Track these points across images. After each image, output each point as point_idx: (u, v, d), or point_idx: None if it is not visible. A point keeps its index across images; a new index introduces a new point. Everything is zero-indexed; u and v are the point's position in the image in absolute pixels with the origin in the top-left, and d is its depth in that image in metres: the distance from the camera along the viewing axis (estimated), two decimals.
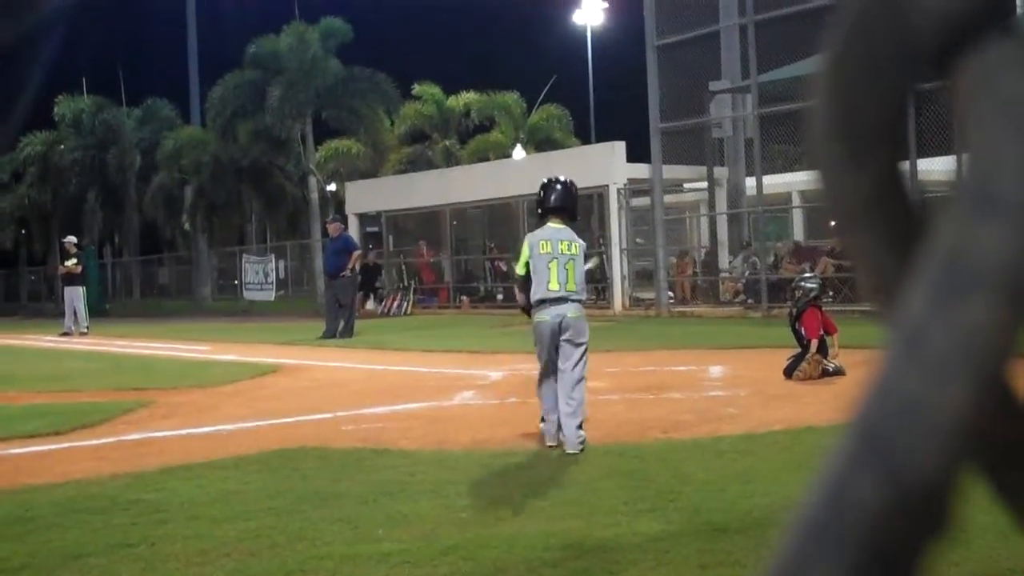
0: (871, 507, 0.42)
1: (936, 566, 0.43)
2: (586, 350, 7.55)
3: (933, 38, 0.44)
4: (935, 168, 13.73)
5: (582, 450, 7.29)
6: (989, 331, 0.42)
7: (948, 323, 0.42)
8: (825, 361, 10.77)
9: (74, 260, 27.31)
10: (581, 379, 7.50)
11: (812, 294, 11.06)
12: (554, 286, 7.44)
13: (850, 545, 0.42)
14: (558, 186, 7.78)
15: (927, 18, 0.44)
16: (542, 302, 7.49)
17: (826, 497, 0.43)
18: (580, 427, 7.40)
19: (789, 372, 10.84)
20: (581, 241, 7.77)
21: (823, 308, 11.22)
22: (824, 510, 0.43)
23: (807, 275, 11.97)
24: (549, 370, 7.57)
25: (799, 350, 10.94)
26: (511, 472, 6.75)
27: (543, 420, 7.70)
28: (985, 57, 0.44)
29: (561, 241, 7.55)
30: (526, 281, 7.64)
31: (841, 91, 0.45)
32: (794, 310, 11.27)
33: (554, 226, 7.69)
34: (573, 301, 7.52)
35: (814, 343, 10.77)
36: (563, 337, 7.46)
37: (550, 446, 7.50)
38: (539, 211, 7.88)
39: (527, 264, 7.65)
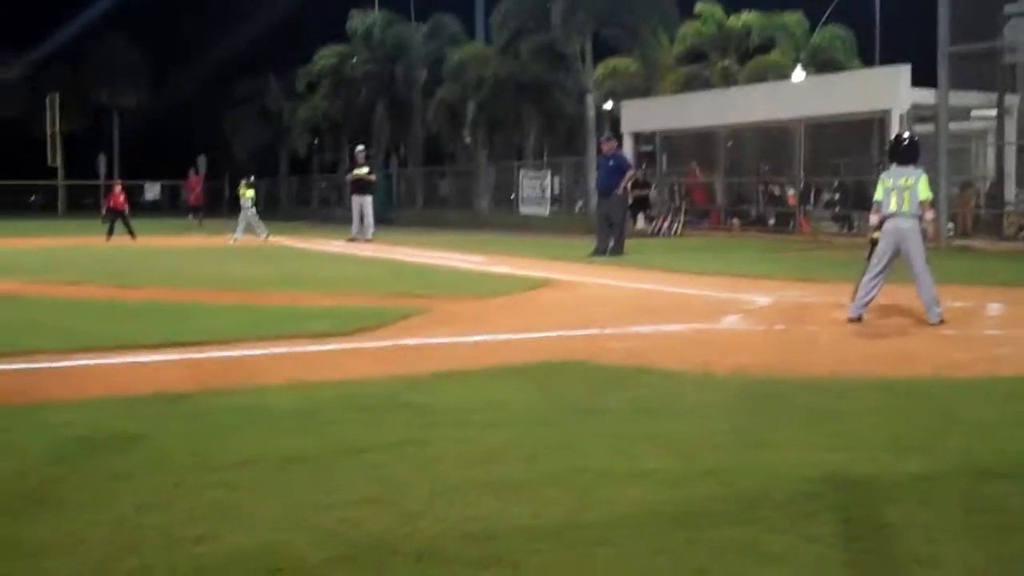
0: None
1: None
2: (924, 256, 10.09)
3: None
4: None
5: (941, 321, 9.96)
6: None
7: None
8: None
9: (366, 169, 28.42)
10: (926, 276, 10.05)
11: None
12: (892, 207, 10.18)
13: None
14: (906, 140, 10.70)
15: None
16: (886, 217, 10.23)
17: None
18: (937, 305, 10.07)
19: None
20: (919, 173, 10.25)
21: None
22: None
23: None
24: (880, 270, 10.18)
25: None
26: (773, 399, 6.70)
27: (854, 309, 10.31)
28: None
29: (900, 176, 10.24)
30: (879, 204, 10.36)
31: None
32: None
33: (899, 167, 10.35)
34: (908, 217, 10.14)
35: None
36: (903, 248, 10.10)
37: (851, 319, 10.25)
38: (889, 156, 10.74)
39: (882, 191, 10.32)
